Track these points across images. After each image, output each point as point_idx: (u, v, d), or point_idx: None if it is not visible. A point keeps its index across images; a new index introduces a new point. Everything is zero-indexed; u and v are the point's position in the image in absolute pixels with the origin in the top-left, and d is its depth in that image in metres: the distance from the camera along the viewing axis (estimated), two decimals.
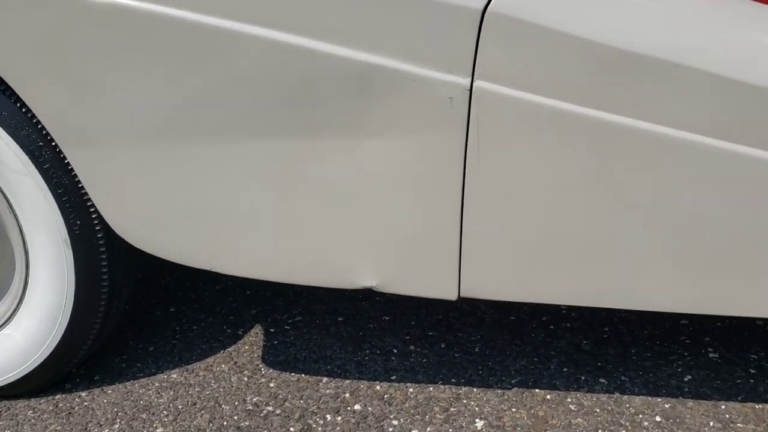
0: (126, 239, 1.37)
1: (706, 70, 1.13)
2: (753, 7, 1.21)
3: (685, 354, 1.70)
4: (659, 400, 1.55)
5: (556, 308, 1.87)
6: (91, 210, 1.40)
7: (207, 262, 1.34)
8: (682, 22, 1.18)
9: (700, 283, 1.25)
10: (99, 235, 1.43)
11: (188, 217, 1.32)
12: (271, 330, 1.82)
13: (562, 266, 1.26)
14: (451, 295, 1.30)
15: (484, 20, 1.15)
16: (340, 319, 1.86)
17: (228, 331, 1.83)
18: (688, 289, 1.26)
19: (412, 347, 1.74)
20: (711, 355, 1.69)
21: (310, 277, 1.34)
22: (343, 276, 1.32)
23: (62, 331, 1.50)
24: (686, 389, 1.58)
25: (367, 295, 1.94)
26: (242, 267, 1.35)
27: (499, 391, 1.59)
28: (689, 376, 1.63)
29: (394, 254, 1.31)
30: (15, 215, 1.44)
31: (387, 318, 1.85)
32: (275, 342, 1.78)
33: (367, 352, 1.73)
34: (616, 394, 1.57)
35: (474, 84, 1.18)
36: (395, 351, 1.73)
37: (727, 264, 1.23)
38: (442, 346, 1.74)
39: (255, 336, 1.81)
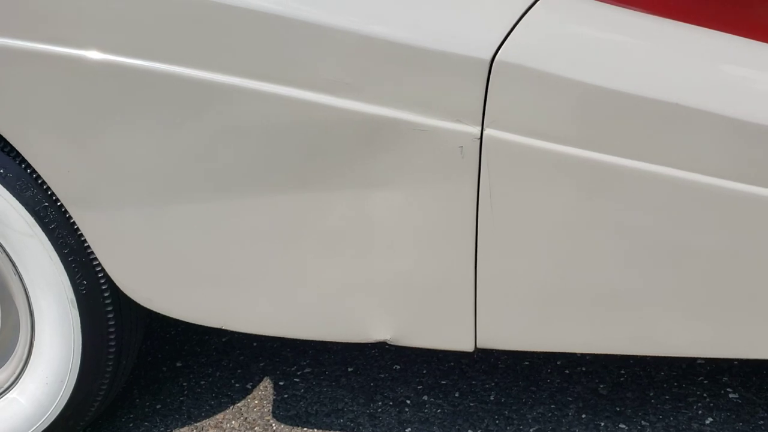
0: (134, 299, 1.34)
1: (722, 113, 1.12)
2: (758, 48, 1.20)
3: (705, 395, 1.66)
4: None
5: (571, 352, 1.84)
6: (98, 269, 1.38)
7: (217, 320, 1.31)
8: (693, 64, 1.18)
9: (718, 327, 1.23)
10: (106, 295, 1.41)
11: (196, 274, 1.30)
12: (281, 383, 1.79)
13: (579, 314, 1.24)
14: (468, 347, 1.27)
15: (493, 69, 1.14)
16: (350, 369, 1.82)
17: (236, 385, 1.79)
18: (707, 333, 1.24)
19: (425, 397, 1.71)
20: (731, 395, 1.66)
21: (323, 332, 1.31)
22: (355, 330, 1.30)
23: (69, 394, 1.46)
24: None
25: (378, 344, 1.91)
26: (253, 324, 1.32)
27: None
28: (710, 419, 1.59)
29: (408, 306, 1.28)
30: (20, 277, 1.41)
31: (398, 367, 1.82)
32: (285, 396, 1.74)
33: (380, 403, 1.70)
34: None
35: (484, 132, 1.17)
36: (408, 402, 1.69)
37: (745, 307, 1.21)
38: (456, 395, 1.71)
39: (264, 390, 1.77)
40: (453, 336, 1.28)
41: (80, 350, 1.43)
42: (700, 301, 1.21)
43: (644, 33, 1.21)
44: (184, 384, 1.81)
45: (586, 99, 1.14)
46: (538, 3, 1.19)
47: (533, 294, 1.24)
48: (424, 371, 1.79)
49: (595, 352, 1.29)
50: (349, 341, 1.31)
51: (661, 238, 1.18)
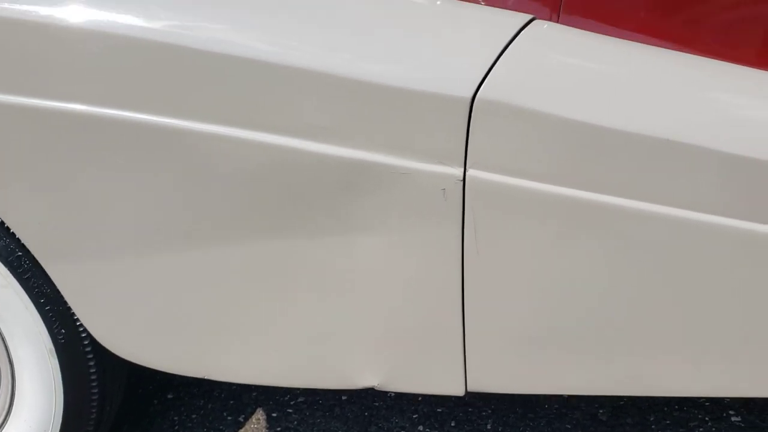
0: (113, 351, 1.30)
1: (710, 147, 1.07)
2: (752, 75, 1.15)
3: (707, 419, 1.62)
4: None
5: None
6: (76, 318, 1.34)
7: (199, 371, 1.27)
8: (684, 95, 1.13)
9: (711, 367, 1.18)
10: (86, 343, 1.36)
11: (176, 326, 1.26)
12: (273, 414, 1.75)
13: (570, 356, 1.20)
14: (459, 391, 1.23)
15: (474, 108, 1.09)
16: (343, 398, 1.78)
17: (229, 418, 1.75)
18: (700, 373, 1.19)
19: (420, 427, 1.67)
20: (733, 418, 1.62)
21: (308, 379, 1.27)
22: (342, 377, 1.25)
23: None
24: None
25: None
26: (237, 373, 1.28)
27: None
28: None
29: (395, 351, 1.24)
30: None
31: (393, 395, 1.78)
32: (278, 428, 1.70)
33: None
34: None
35: (467, 174, 1.12)
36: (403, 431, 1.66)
37: (740, 346, 1.16)
38: (452, 424, 1.67)
39: (257, 422, 1.73)
40: (442, 380, 1.24)
41: (62, 399, 1.40)
42: (692, 341, 1.16)
43: (632, 63, 1.16)
44: (175, 418, 1.77)
45: (570, 136, 1.09)
46: (519, 36, 1.14)
47: (523, 337, 1.20)
48: (420, 398, 1.75)
49: (589, 394, 1.25)
50: (336, 388, 1.27)
51: (651, 277, 1.13)
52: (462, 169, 1.12)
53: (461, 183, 1.12)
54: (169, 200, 1.18)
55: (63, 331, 1.35)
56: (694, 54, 1.17)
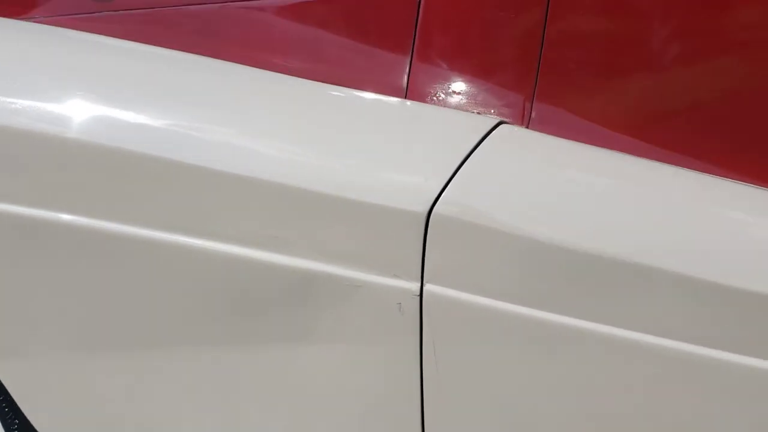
0: None
1: (679, 272, 1.01)
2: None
3: None
4: None
5: None
6: None
7: None
8: (656, 216, 1.07)
9: None
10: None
11: (124, 426, 1.22)
12: None
13: None
14: None
15: (430, 222, 1.04)
16: None
17: None
18: None
19: None
20: None
21: None
22: None
23: None
24: None
25: None
26: None
27: None
28: None
29: None
30: None
31: None
32: None
33: None
34: None
35: (424, 288, 1.07)
36: None
37: None
38: None
39: None
40: None
41: None
42: None
43: (610, 174, 1.10)
44: None
45: (528, 254, 1.03)
46: (480, 146, 1.08)
47: None
48: None
49: None
50: None
51: (612, 401, 1.07)
52: (419, 284, 1.07)
53: (418, 298, 1.07)
54: (108, 305, 1.14)
55: (16, 421, 1.32)
56: (679, 164, 1.11)
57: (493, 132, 1.10)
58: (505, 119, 1.13)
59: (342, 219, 1.06)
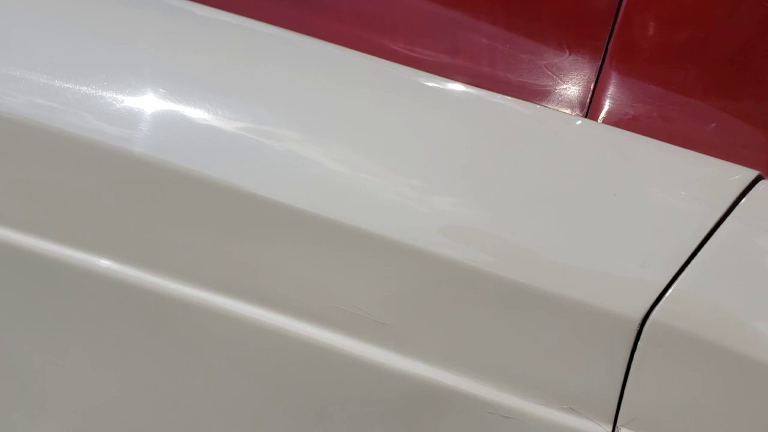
0: None
1: None
2: None
3: None
4: None
5: None
6: None
7: None
8: None
9: None
10: None
11: None
12: None
13: None
14: None
15: (643, 334, 0.63)
16: None
17: None
18: None
19: None
20: None
21: None
22: None
23: None
24: None
25: None
26: None
27: None
28: None
29: None
30: None
31: None
32: None
33: None
34: None
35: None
36: None
37: None
38: None
39: None
40: None
41: None
42: None
43: None
44: None
45: None
46: (731, 215, 0.67)
47: None
48: None
49: None
50: None
51: None
52: (610, 428, 0.67)
53: None
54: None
55: None
56: None
57: (750, 192, 0.68)
58: (764, 174, 0.71)
59: (501, 315, 0.66)
